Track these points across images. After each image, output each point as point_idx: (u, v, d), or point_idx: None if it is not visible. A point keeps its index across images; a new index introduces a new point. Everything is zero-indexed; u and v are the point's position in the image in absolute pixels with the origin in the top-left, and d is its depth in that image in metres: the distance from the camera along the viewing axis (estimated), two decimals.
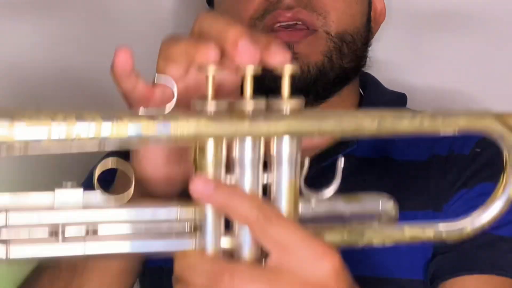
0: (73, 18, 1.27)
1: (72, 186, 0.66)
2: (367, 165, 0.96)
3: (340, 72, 1.02)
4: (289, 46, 0.98)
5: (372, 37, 1.10)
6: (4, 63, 1.25)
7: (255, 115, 0.66)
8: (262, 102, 0.67)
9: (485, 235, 0.92)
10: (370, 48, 1.09)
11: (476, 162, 0.97)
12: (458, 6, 1.28)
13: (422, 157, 1.00)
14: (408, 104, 1.10)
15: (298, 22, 1.01)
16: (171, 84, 0.69)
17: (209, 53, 0.66)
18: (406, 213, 0.96)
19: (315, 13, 1.01)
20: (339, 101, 1.04)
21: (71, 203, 0.65)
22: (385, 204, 0.73)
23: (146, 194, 0.76)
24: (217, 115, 0.65)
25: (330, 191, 0.71)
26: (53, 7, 1.26)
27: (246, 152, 0.68)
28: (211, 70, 0.66)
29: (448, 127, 0.69)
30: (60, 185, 0.66)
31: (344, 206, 0.72)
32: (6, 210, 0.64)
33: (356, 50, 1.04)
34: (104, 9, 1.27)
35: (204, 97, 0.67)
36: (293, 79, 0.95)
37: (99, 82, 1.20)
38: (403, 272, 0.94)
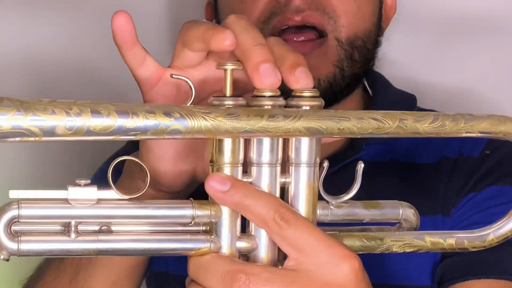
0: (90, 14, 1.27)
1: (86, 184, 0.65)
2: (375, 169, 0.94)
3: (351, 79, 0.99)
4: None
5: (382, 34, 1.06)
6: (21, 58, 1.24)
7: (273, 113, 0.65)
8: (281, 102, 0.66)
9: None
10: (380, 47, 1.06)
11: (485, 165, 0.95)
12: (467, 6, 1.27)
13: (431, 160, 0.97)
14: (418, 103, 1.07)
15: (307, 25, 0.96)
16: (188, 80, 0.68)
17: (225, 41, 0.65)
18: None
19: (326, 16, 0.97)
20: (345, 103, 1.01)
21: (85, 201, 0.64)
22: (406, 212, 0.72)
23: (155, 189, 0.75)
24: (235, 111, 0.64)
25: (349, 195, 0.69)
26: (71, 2, 1.26)
27: (263, 153, 0.67)
28: (229, 68, 0.66)
29: (469, 130, 0.68)
30: (73, 183, 0.65)
31: (363, 212, 0.71)
32: (19, 205, 0.63)
33: (366, 53, 1.00)
34: (121, 5, 1.27)
35: (221, 94, 0.66)
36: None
37: (115, 78, 1.21)
38: (411, 279, 0.92)
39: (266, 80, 0.65)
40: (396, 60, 1.25)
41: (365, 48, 1.00)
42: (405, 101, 1.05)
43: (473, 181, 0.94)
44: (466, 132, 0.68)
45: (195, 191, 0.76)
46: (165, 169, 0.74)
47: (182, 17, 1.29)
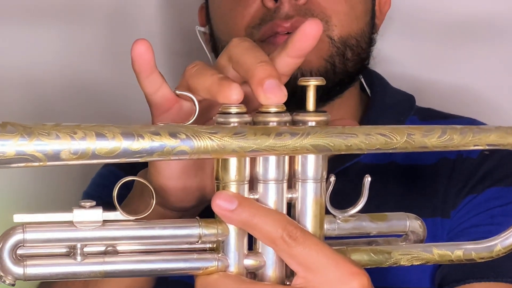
0: (92, 28, 1.26)
1: (91, 206, 0.64)
2: (374, 172, 0.94)
3: (343, 76, 0.98)
4: None
5: (377, 31, 1.05)
6: (19, 74, 1.23)
7: (280, 131, 0.64)
8: (287, 118, 0.65)
9: None
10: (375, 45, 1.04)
11: (485, 166, 0.94)
12: (466, 5, 1.26)
13: (430, 161, 0.97)
14: (417, 102, 1.07)
15: None
16: (193, 97, 0.67)
17: (231, 96, 0.65)
18: None
19: None
20: (340, 102, 1.00)
21: (90, 223, 0.63)
22: (413, 224, 0.71)
23: (164, 207, 0.74)
24: (241, 130, 0.63)
25: (356, 209, 0.69)
26: (73, 16, 1.25)
27: (269, 171, 0.66)
28: (234, 111, 0.65)
29: (477, 143, 0.67)
30: (78, 205, 0.64)
31: (370, 226, 0.70)
32: (24, 229, 0.62)
33: (360, 52, 0.99)
34: (124, 20, 1.25)
35: (226, 112, 0.65)
36: (295, 84, 0.94)
37: (118, 91, 1.20)
38: (412, 282, 0.91)
39: (271, 97, 0.65)
40: (395, 58, 1.25)
41: (359, 47, 0.99)
42: (403, 101, 1.04)
43: (472, 183, 0.94)
44: (474, 145, 0.67)
45: (204, 209, 0.76)
46: (174, 187, 0.73)
47: (176, 22, 1.28)
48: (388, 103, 1.02)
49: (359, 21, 0.99)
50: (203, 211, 0.75)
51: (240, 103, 0.65)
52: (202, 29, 1.09)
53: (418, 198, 0.93)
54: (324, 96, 0.96)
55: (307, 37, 0.69)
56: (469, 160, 0.95)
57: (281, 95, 0.65)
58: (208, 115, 0.72)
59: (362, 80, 1.07)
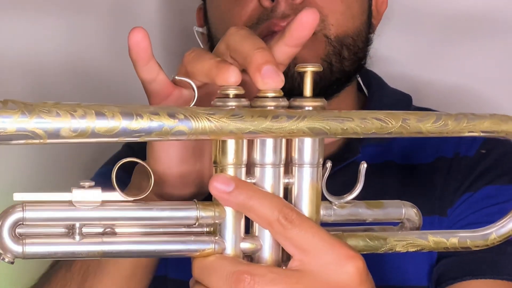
0: (94, 16, 1.27)
1: (90, 186, 0.65)
2: (372, 171, 0.95)
3: (340, 75, 0.99)
4: None
5: (374, 31, 1.06)
6: (21, 60, 1.24)
7: (277, 114, 0.65)
8: (284, 102, 0.66)
9: None
10: (372, 44, 1.05)
11: (481, 165, 0.95)
12: (465, 3, 1.26)
13: (427, 160, 0.97)
14: (414, 102, 1.08)
15: None
16: (191, 82, 0.68)
17: (230, 78, 0.66)
18: None
19: None
20: (337, 102, 1.01)
21: (89, 202, 0.64)
22: (409, 212, 0.72)
23: (161, 194, 0.75)
24: (239, 112, 0.64)
25: (352, 195, 0.69)
26: (75, 6, 1.27)
27: (267, 154, 0.67)
28: (232, 93, 0.66)
29: (472, 129, 0.68)
30: (77, 185, 0.65)
31: (366, 212, 0.71)
32: (23, 208, 0.63)
33: (357, 51, 1.00)
34: (126, 8, 1.27)
35: (224, 96, 0.66)
36: (292, 83, 0.95)
37: (116, 80, 1.21)
38: (409, 280, 0.92)
39: (268, 81, 0.66)
40: (393, 57, 1.25)
41: (355, 46, 1.00)
42: (400, 101, 1.05)
43: (469, 181, 0.94)
44: (469, 132, 0.68)
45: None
46: (172, 174, 0.74)
47: (174, 22, 1.29)
48: (385, 103, 1.03)
49: (356, 20, 1.00)
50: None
51: (238, 85, 0.66)
52: (200, 29, 1.11)
53: (415, 196, 0.93)
54: (321, 95, 0.97)
55: (303, 26, 0.70)
56: (466, 159, 0.96)
57: (279, 80, 0.66)
58: (207, 104, 0.73)
59: (359, 79, 1.08)
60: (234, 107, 0.65)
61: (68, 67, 1.25)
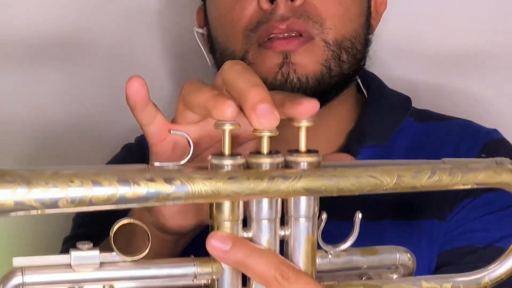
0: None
1: (88, 248, 0.65)
2: None
3: (339, 79, 0.99)
4: (285, 55, 0.96)
5: (373, 32, 1.06)
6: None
7: (273, 175, 0.65)
8: (280, 159, 0.67)
9: (489, 248, 0.92)
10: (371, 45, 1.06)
11: None
12: (464, 2, 1.27)
13: None
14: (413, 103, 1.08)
15: (292, 34, 0.97)
16: (187, 137, 0.68)
17: (226, 112, 0.65)
18: (412, 222, 0.96)
19: (310, 21, 0.97)
20: (337, 104, 1.02)
21: (88, 265, 0.65)
22: (403, 257, 0.73)
23: (161, 227, 0.77)
24: (235, 175, 0.65)
25: (347, 244, 0.70)
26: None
27: (263, 210, 0.67)
28: (228, 128, 0.66)
29: (466, 183, 0.69)
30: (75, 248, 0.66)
31: (361, 260, 0.72)
32: (23, 271, 0.64)
33: (356, 54, 1.01)
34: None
35: (220, 153, 0.66)
36: (292, 90, 0.95)
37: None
38: None
39: (263, 121, 0.65)
40: (392, 59, 1.25)
41: (354, 48, 1.00)
42: (400, 102, 1.06)
43: None
44: (463, 185, 0.69)
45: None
46: (171, 212, 0.76)
47: (175, 23, 1.29)
48: (384, 104, 1.04)
49: (353, 23, 1.00)
50: (200, 234, 0.77)
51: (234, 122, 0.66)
52: (200, 30, 1.11)
53: (416, 201, 0.95)
54: (321, 99, 0.97)
55: (300, 114, 0.68)
56: None
57: (274, 119, 0.65)
58: (200, 150, 0.73)
59: (359, 81, 1.08)
60: (230, 168, 0.65)
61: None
